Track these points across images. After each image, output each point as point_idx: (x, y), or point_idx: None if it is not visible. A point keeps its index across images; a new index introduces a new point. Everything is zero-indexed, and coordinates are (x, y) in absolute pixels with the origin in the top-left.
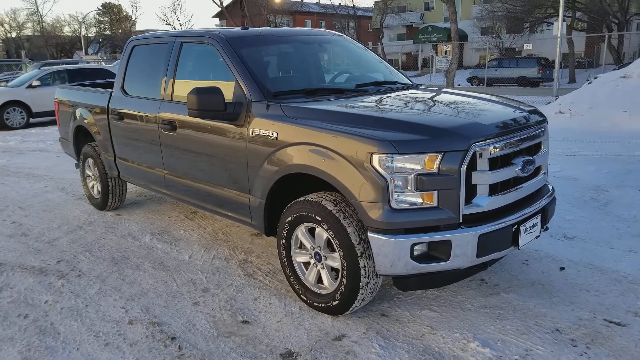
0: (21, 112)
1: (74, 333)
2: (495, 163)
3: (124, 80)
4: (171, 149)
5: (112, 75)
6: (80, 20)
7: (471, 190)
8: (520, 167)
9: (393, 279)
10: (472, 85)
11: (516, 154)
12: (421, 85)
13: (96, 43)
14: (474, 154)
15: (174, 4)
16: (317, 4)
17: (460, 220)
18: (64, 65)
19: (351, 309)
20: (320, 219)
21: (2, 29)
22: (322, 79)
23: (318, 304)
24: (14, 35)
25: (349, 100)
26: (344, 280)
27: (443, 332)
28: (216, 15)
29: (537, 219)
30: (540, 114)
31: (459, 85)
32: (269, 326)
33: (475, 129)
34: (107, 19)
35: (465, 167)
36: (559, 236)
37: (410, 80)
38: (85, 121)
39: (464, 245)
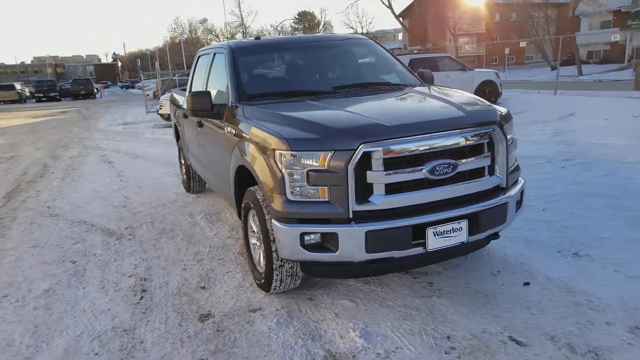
0: None
1: (91, 277)
2: (397, 163)
3: (191, 84)
4: (200, 141)
5: None
6: (278, 29)
7: (368, 188)
8: (428, 170)
9: (300, 264)
10: None
11: (432, 155)
12: (416, 87)
13: None
14: (367, 154)
15: (347, 8)
16: None
17: (351, 216)
18: None
19: (273, 287)
20: (253, 207)
21: (218, 40)
22: (308, 81)
23: (257, 281)
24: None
25: (305, 102)
26: (265, 262)
27: (342, 320)
28: (401, 15)
29: (461, 225)
30: (489, 118)
31: None
32: (215, 294)
33: (369, 130)
34: (301, 26)
35: (353, 166)
36: (568, 253)
37: (414, 82)
38: (175, 120)
39: (351, 240)
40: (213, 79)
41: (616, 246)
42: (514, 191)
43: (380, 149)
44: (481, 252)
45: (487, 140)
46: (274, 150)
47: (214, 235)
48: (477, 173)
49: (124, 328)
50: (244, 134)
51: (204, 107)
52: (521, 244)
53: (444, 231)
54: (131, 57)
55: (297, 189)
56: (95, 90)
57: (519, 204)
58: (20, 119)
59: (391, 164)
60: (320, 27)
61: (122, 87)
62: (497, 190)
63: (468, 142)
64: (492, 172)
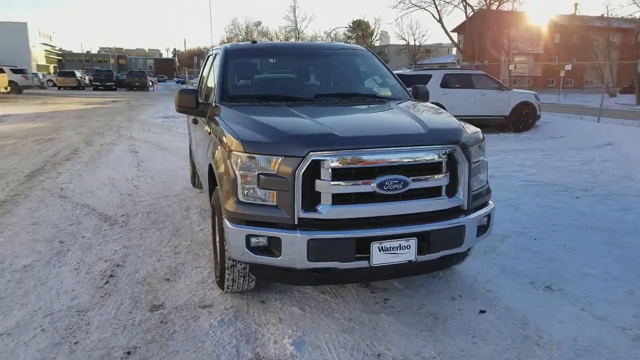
0: None
1: (71, 258)
2: (345, 174)
3: (199, 81)
4: (194, 137)
5: None
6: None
7: (317, 197)
8: (377, 184)
9: (249, 266)
10: None
11: (384, 170)
12: (401, 101)
13: None
14: (317, 162)
15: (396, 20)
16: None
17: (296, 222)
18: None
19: (226, 286)
20: (215, 205)
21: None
22: (292, 88)
23: (216, 279)
24: None
25: (279, 108)
26: (219, 261)
27: (283, 326)
28: (455, 30)
29: (410, 243)
30: (450, 139)
31: None
32: (176, 286)
33: (320, 139)
34: (355, 34)
35: (301, 173)
36: (541, 286)
37: (403, 96)
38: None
39: (294, 246)
40: (211, 78)
41: (595, 284)
42: (475, 215)
43: (328, 158)
44: (451, 274)
45: (446, 160)
46: (231, 151)
47: (200, 230)
48: (432, 192)
49: (78, 309)
50: (215, 134)
51: (189, 105)
52: (497, 270)
53: (390, 247)
54: (189, 54)
55: (248, 191)
56: (149, 83)
57: (483, 228)
58: (73, 104)
59: (339, 174)
60: (374, 36)
61: (177, 82)
62: (457, 212)
63: (423, 160)
64: (452, 193)
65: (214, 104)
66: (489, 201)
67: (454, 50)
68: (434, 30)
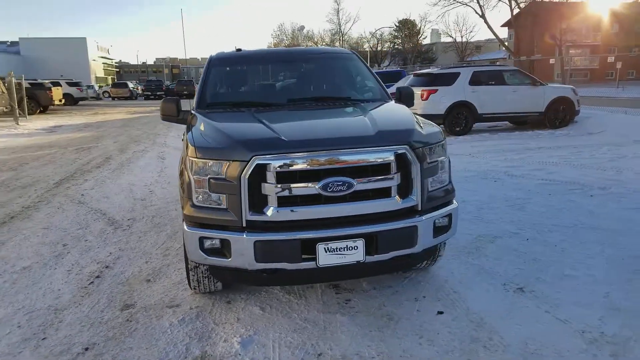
0: None
1: (68, 260)
2: (290, 177)
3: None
4: None
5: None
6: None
7: (264, 199)
8: (321, 186)
9: (209, 268)
10: None
11: (329, 172)
12: (374, 104)
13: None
14: (261, 166)
15: (437, 17)
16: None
17: (244, 225)
18: None
19: (192, 287)
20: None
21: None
22: (267, 93)
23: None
24: None
25: (245, 113)
26: (185, 262)
27: (239, 325)
28: (505, 25)
29: (357, 244)
30: (399, 140)
31: None
32: (153, 287)
33: (265, 143)
34: (402, 34)
35: (246, 177)
36: (513, 287)
37: (383, 98)
38: None
39: (242, 248)
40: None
41: (572, 286)
42: (430, 215)
43: (272, 162)
44: (424, 275)
45: (395, 161)
46: (187, 156)
47: None
48: (381, 193)
49: (57, 308)
50: (185, 140)
51: (171, 113)
52: (473, 271)
53: (336, 248)
54: None
55: (202, 195)
56: None
57: (443, 229)
58: (121, 114)
59: (284, 177)
60: (420, 35)
61: None
62: (410, 213)
63: (368, 162)
64: (405, 193)
65: (191, 112)
66: (453, 201)
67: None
68: (483, 25)
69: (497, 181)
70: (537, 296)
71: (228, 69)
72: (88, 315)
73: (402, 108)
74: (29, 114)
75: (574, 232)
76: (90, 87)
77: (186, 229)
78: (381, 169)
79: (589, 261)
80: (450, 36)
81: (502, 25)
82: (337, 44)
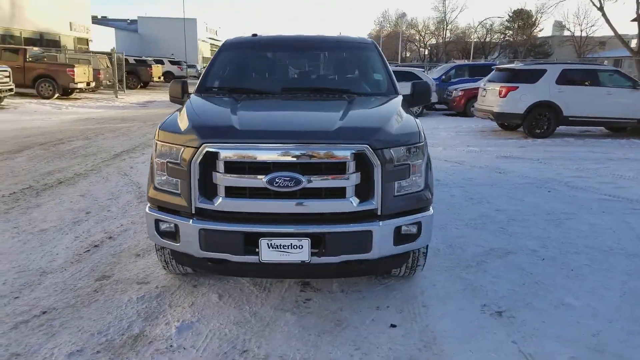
0: None
1: (82, 228)
2: (238, 168)
3: None
4: None
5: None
6: (485, 26)
7: (215, 188)
8: (267, 180)
9: (170, 250)
10: None
11: (280, 166)
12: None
13: (500, 48)
14: (212, 153)
15: (550, 8)
16: None
17: (193, 212)
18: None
19: (163, 267)
20: None
21: (419, 35)
22: (264, 81)
23: None
24: (433, 41)
25: (228, 100)
26: None
27: (189, 310)
28: (635, 19)
29: (302, 243)
30: (359, 139)
31: None
32: (137, 262)
33: (216, 131)
34: (514, 25)
35: (197, 163)
36: (492, 310)
37: (388, 92)
38: None
39: (188, 234)
40: None
41: (563, 317)
42: (390, 221)
43: (220, 151)
44: (402, 284)
45: (353, 160)
46: (155, 138)
47: None
48: (335, 193)
49: (45, 271)
50: None
51: (176, 95)
52: (459, 287)
53: (280, 245)
54: None
55: (160, 178)
56: None
57: (409, 237)
58: None
59: (232, 167)
60: (535, 27)
61: None
62: (368, 216)
63: (321, 159)
64: (366, 195)
65: (190, 95)
66: (428, 208)
67: (634, 42)
68: (612, 20)
69: (551, 192)
70: (513, 323)
71: (237, 54)
72: (65, 281)
73: (392, 105)
74: (130, 89)
75: (604, 257)
76: (191, 66)
77: (146, 210)
78: (335, 168)
79: (602, 292)
80: (569, 30)
81: (632, 20)
82: (442, 33)
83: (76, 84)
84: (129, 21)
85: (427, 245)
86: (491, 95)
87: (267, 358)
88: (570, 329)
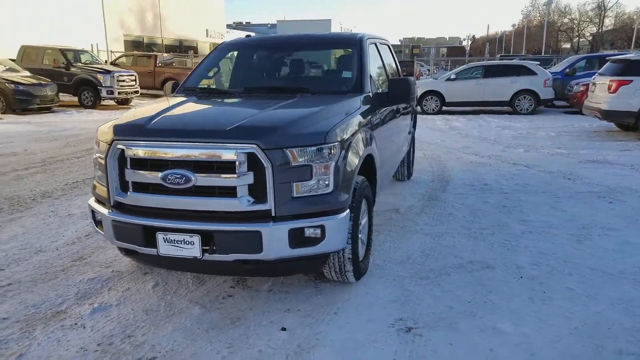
0: (436, 100)
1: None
2: (140, 164)
3: None
4: None
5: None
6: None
7: (127, 183)
8: (161, 177)
9: None
10: None
11: (176, 163)
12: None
13: None
14: (122, 150)
15: None
16: None
17: (112, 204)
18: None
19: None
20: None
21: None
22: (233, 81)
23: None
24: (593, 29)
25: (186, 99)
26: None
27: (118, 295)
28: None
29: (193, 239)
30: (249, 139)
31: None
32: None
33: (125, 128)
34: None
35: (111, 159)
36: (402, 325)
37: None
38: None
39: (106, 225)
40: None
41: (478, 344)
42: (284, 223)
43: (126, 147)
44: (334, 289)
45: (243, 160)
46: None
47: None
48: (226, 192)
49: (41, 249)
50: None
51: (171, 91)
52: (393, 296)
53: (174, 240)
54: (484, 40)
55: (96, 172)
56: (419, 72)
57: (310, 240)
58: None
59: (136, 163)
60: None
61: None
62: (261, 217)
63: (210, 158)
64: (261, 196)
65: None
66: (342, 210)
67: None
68: None
69: (612, 203)
70: (414, 342)
71: (225, 55)
72: (49, 260)
73: (339, 104)
74: None
75: (601, 282)
76: None
77: (88, 202)
78: (225, 167)
79: (554, 320)
80: None
81: None
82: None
83: None
84: (269, 25)
85: (358, 251)
86: (599, 90)
87: (142, 344)
88: (475, 358)
